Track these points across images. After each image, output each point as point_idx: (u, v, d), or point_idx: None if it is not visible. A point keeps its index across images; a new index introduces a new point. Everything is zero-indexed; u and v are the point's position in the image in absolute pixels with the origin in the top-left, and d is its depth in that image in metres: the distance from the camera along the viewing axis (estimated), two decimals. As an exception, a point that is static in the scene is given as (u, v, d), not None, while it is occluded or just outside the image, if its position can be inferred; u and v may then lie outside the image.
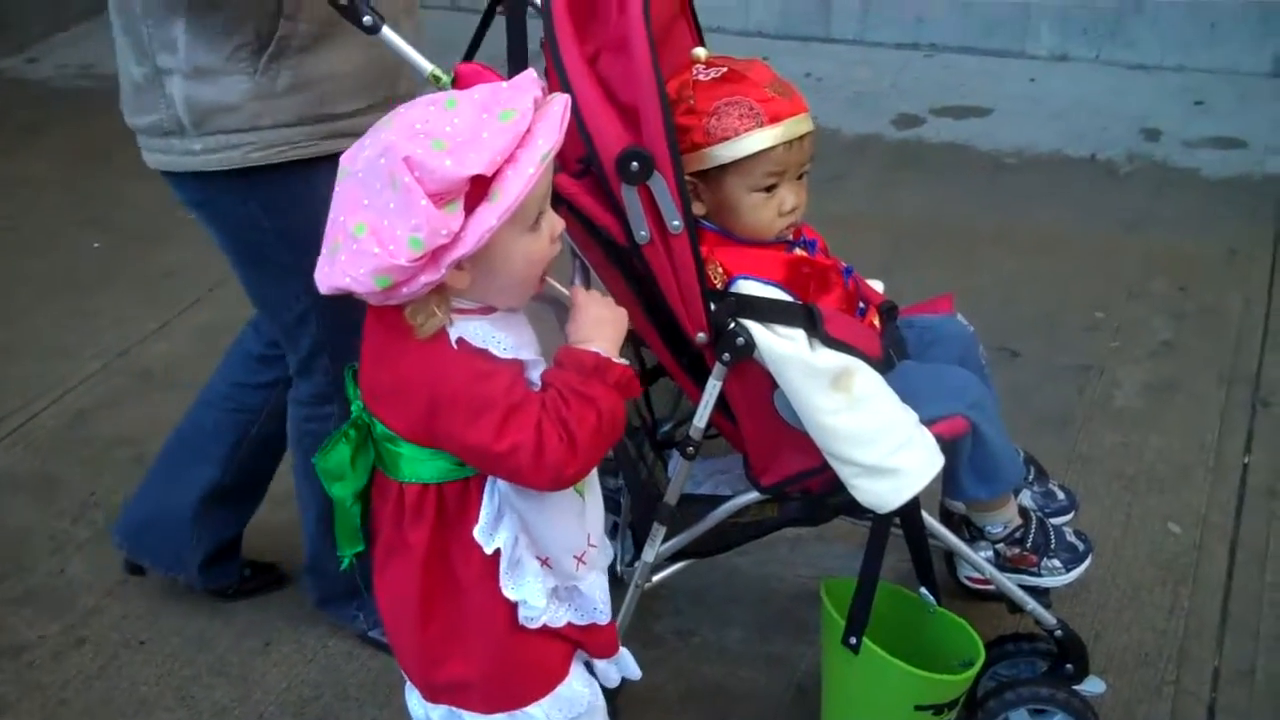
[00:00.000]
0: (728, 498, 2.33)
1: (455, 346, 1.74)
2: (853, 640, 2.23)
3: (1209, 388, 3.53)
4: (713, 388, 2.14)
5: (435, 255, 1.63)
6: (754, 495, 2.29)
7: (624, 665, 2.07)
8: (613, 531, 2.67)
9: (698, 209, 2.16)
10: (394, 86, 2.33)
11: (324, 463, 1.89)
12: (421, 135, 1.63)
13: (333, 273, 1.68)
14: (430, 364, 1.74)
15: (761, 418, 2.19)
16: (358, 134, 2.18)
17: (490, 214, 1.62)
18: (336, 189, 1.70)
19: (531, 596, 1.87)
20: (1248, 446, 3.30)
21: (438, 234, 1.60)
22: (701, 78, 2.15)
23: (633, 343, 2.45)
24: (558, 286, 1.88)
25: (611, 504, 2.63)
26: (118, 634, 2.89)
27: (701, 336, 2.09)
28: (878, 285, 2.44)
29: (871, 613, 2.23)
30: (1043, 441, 3.25)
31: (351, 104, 2.27)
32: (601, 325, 1.83)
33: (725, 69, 2.16)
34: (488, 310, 1.78)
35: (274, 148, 2.25)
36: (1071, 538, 2.45)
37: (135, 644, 2.86)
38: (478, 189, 1.62)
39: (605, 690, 2.06)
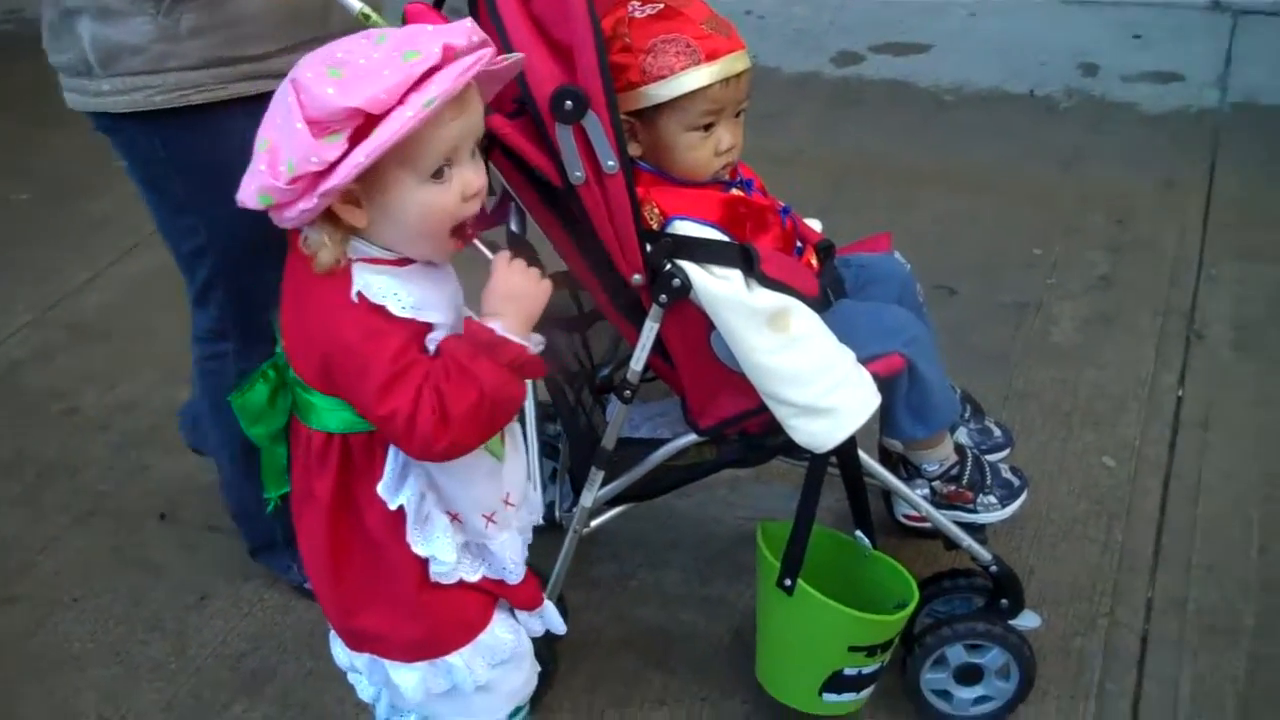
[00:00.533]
0: (666, 441, 2.32)
1: (354, 300, 1.71)
2: (788, 582, 2.24)
3: (1144, 321, 3.55)
4: (649, 330, 2.13)
5: (311, 182, 1.61)
6: (692, 438, 2.28)
7: (548, 619, 2.06)
8: (552, 477, 2.66)
9: (634, 149, 2.13)
10: (324, 25, 2.28)
11: (241, 401, 1.88)
12: (329, 63, 1.62)
13: (241, 187, 1.67)
14: (328, 314, 1.72)
15: (699, 359, 2.18)
16: (272, 75, 2.17)
17: (361, 151, 1.59)
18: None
19: (440, 552, 1.86)
20: (1181, 379, 3.33)
21: (308, 160, 1.59)
22: (637, 14, 2.11)
23: (570, 285, 2.43)
24: (482, 248, 1.84)
25: (550, 450, 2.62)
26: (49, 591, 2.86)
27: (637, 278, 2.08)
28: (815, 224, 2.42)
29: (807, 554, 2.23)
30: (980, 378, 3.26)
31: (262, 46, 2.23)
32: (512, 300, 1.78)
33: (661, 5, 2.13)
34: (404, 262, 1.75)
35: (177, 91, 2.21)
36: (1007, 474, 2.46)
37: (68, 601, 2.83)
38: (369, 126, 1.60)
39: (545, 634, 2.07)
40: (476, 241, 1.82)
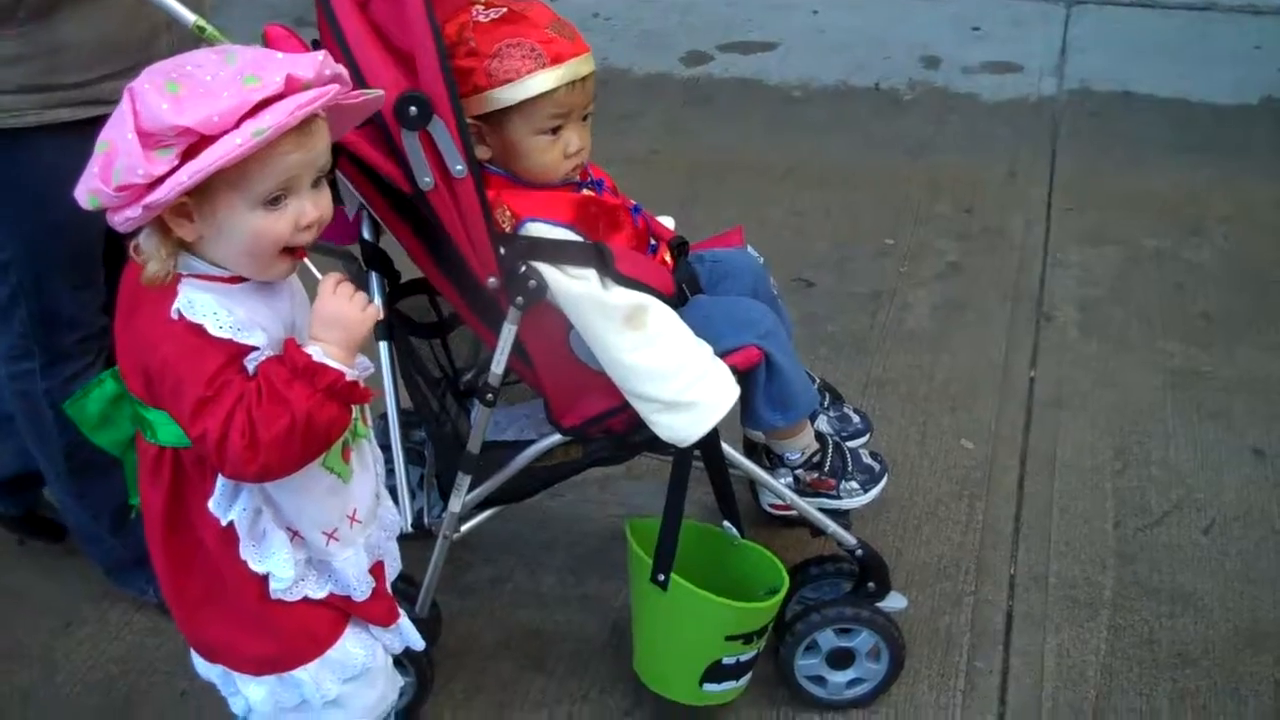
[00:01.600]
0: (532, 442, 2.32)
1: (174, 317, 1.68)
2: (660, 577, 2.25)
3: (994, 306, 3.64)
4: (508, 332, 2.13)
5: (136, 194, 1.59)
6: (557, 438, 2.28)
7: (404, 635, 2.05)
8: (420, 483, 2.65)
9: (483, 153, 2.13)
10: (146, 50, 2.24)
11: (74, 409, 1.84)
12: (172, 74, 1.60)
13: (78, 184, 1.64)
14: (151, 328, 1.70)
15: (559, 360, 2.19)
16: (91, 101, 2.17)
17: (185, 171, 1.57)
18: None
19: (278, 569, 1.83)
20: (1033, 361, 3.42)
21: (134, 171, 1.57)
22: (481, 19, 2.11)
23: (427, 291, 2.42)
24: (311, 267, 1.82)
25: (416, 457, 2.61)
26: (-93, 627, 2.77)
27: (493, 281, 2.08)
28: (668, 222, 2.44)
29: (677, 549, 2.25)
30: (840, 367, 3.33)
31: (81, 74, 2.21)
32: (334, 325, 1.75)
33: (505, 9, 2.13)
34: (236, 279, 1.73)
35: None
36: (868, 459, 2.50)
37: (-74, 631, 2.75)
38: (202, 145, 1.57)
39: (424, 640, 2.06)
40: (307, 260, 1.79)
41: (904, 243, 3.95)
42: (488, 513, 2.45)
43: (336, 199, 2.19)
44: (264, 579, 1.84)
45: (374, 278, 2.29)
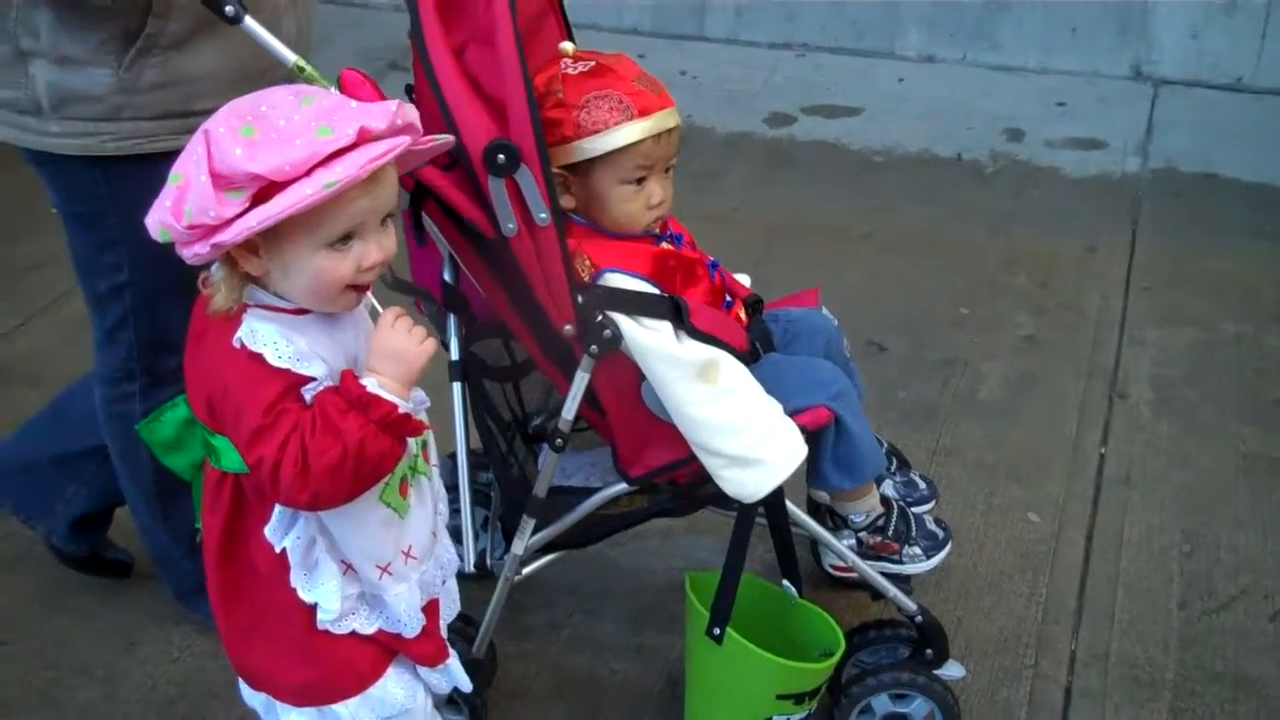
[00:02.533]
0: (597, 489, 2.33)
1: (236, 345, 1.73)
2: (716, 631, 2.26)
3: (1068, 381, 3.62)
4: (580, 380, 2.15)
5: (205, 233, 1.63)
6: (622, 487, 2.30)
7: (453, 675, 2.05)
8: (484, 525, 2.68)
9: (567, 202, 2.17)
10: (270, 76, 2.29)
11: (149, 433, 1.89)
12: (250, 118, 1.64)
13: (149, 212, 1.69)
14: (215, 356, 1.75)
15: (629, 410, 2.21)
16: None
17: (255, 216, 1.61)
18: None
19: (325, 600, 1.86)
20: (1104, 438, 3.40)
21: (205, 213, 1.61)
22: (570, 71, 2.16)
23: (502, 336, 2.45)
24: (373, 302, 1.86)
25: (482, 498, 2.64)
26: (-24, 641, 2.82)
27: (569, 329, 2.10)
28: (744, 279, 2.47)
29: (735, 604, 2.26)
30: (908, 434, 3.32)
31: (213, 101, 2.21)
32: (391, 359, 1.78)
33: (593, 63, 2.18)
34: (300, 311, 1.77)
35: (131, 139, 2.24)
36: (932, 526, 2.50)
37: (-5, 646, 2.80)
38: (272, 189, 1.62)
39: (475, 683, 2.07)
40: (370, 295, 1.83)
41: (979, 313, 3.94)
42: (549, 557, 2.48)
43: (425, 240, 2.24)
44: (312, 609, 1.87)
45: (451, 319, 2.33)
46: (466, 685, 2.08)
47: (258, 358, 1.72)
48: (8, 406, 3.52)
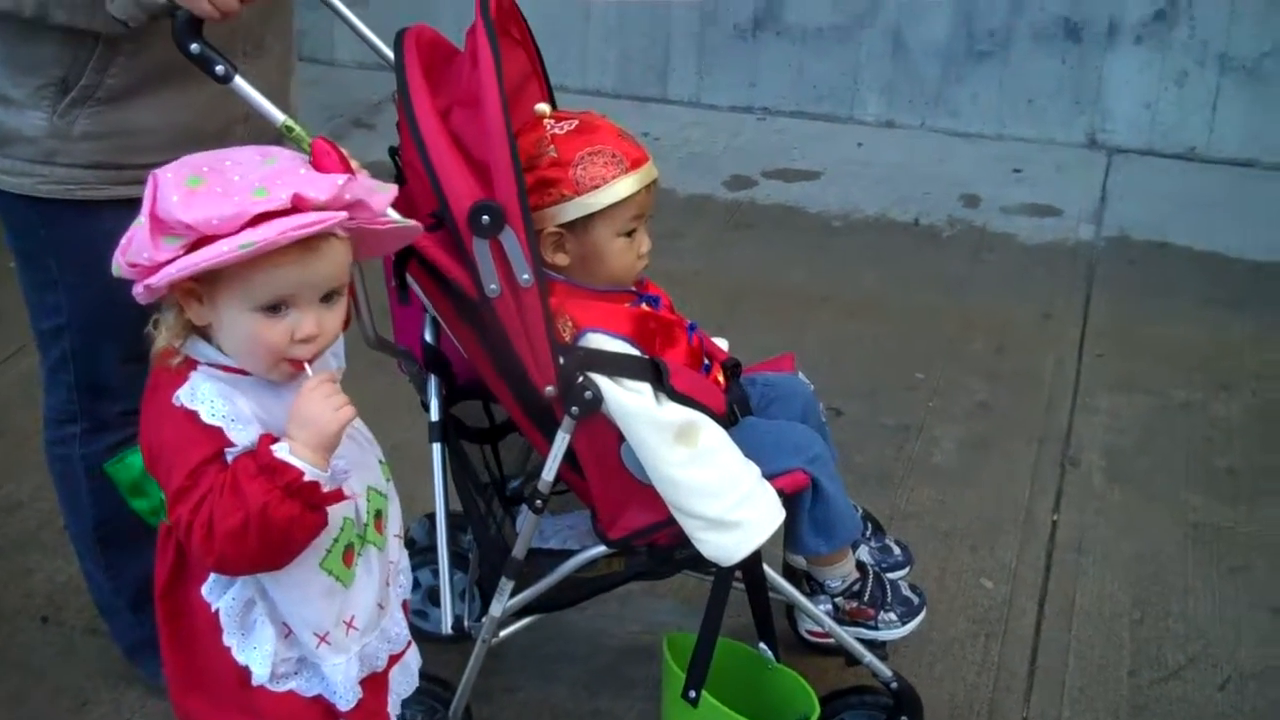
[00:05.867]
0: (575, 552, 2.35)
1: (175, 402, 1.73)
2: (692, 694, 2.26)
3: (1021, 447, 3.65)
4: (561, 441, 2.17)
5: (141, 274, 1.66)
6: (601, 549, 2.30)
7: None
8: (461, 595, 2.66)
9: (561, 260, 2.19)
10: (220, 140, 2.29)
11: (116, 473, 1.90)
12: (203, 168, 1.67)
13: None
14: (155, 409, 1.76)
15: (609, 471, 2.22)
16: None
17: (176, 265, 1.64)
18: None
19: (257, 664, 1.84)
20: (1057, 504, 3.42)
21: (140, 254, 1.65)
22: (557, 131, 2.19)
23: (481, 397, 2.47)
24: (307, 369, 1.80)
25: (460, 561, 2.63)
26: (-77, 699, 2.79)
27: (550, 390, 2.12)
28: (722, 343, 2.50)
29: (711, 667, 2.26)
30: (864, 498, 3.30)
31: (152, 157, 2.22)
32: (305, 425, 1.73)
33: (576, 121, 2.21)
34: (245, 372, 1.78)
35: (63, 185, 2.25)
36: (907, 591, 2.53)
37: (-60, 709, 2.77)
38: (206, 241, 1.63)
39: None
40: (307, 366, 1.80)
41: (934, 378, 3.98)
42: (526, 620, 2.48)
43: (407, 299, 2.25)
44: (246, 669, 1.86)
45: (432, 380, 2.35)
46: None
47: (192, 416, 1.72)
48: (-38, 458, 3.51)
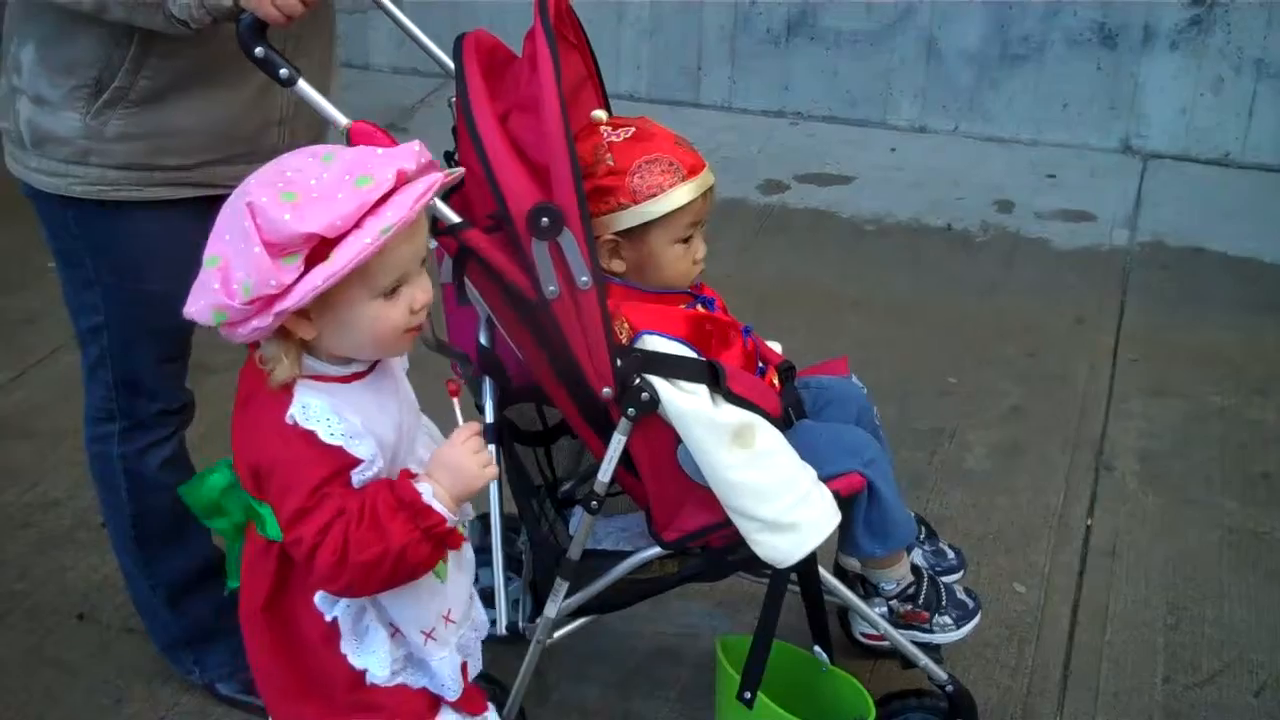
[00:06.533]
0: (629, 554, 2.35)
1: (288, 422, 1.74)
2: (747, 695, 2.27)
3: (1054, 451, 3.64)
4: (617, 442, 2.17)
5: (267, 303, 1.65)
6: (656, 550, 2.31)
7: None
8: (514, 604, 2.67)
9: (617, 266, 2.20)
10: (255, 142, 2.34)
11: (189, 497, 1.89)
12: (281, 184, 1.66)
13: (189, 300, 1.70)
14: (265, 428, 1.76)
15: (665, 473, 2.23)
16: (193, 184, 2.26)
17: (319, 275, 1.64)
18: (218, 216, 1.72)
19: (376, 666, 1.88)
20: (1090, 509, 3.42)
21: (266, 283, 1.64)
22: (614, 139, 2.20)
23: (536, 400, 2.47)
24: (456, 410, 1.90)
25: (514, 565, 2.64)
26: (-41, 696, 2.80)
27: (607, 391, 2.13)
28: (776, 346, 2.51)
29: (765, 669, 2.27)
30: (896, 501, 3.33)
31: (185, 158, 2.29)
32: (451, 472, 1.82)
33: (633, 129, 2.22)
34: (349, 378, 1.79)
35: (96, 185, 2.27)
36: (961, 595, 2.53)
37: (-24, 705, 2.78)
38: (324, 247, 1.64)
39: None
40: (455, 401, 1.88)
41: (967, 382, 3.97)
42: (580, 621, 2.49)
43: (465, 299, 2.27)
44: (362, 672, 1.89)
45: (487, 382, 2.36)
46: None
47: (309, 436, 1.74)
48: (0, 458, 3.54)
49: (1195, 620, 3.04)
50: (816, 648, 2.35)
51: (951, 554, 2.68)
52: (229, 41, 2.11)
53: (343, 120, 2.10)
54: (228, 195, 2.29)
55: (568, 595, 2.36)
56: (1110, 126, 5.49)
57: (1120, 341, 4.19)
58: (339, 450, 1.75)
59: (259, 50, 2.04)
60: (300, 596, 1.86)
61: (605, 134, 2.21)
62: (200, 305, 1.68)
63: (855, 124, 5.76)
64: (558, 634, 2.45)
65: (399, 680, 1.91)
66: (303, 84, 2.08)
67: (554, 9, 2.13)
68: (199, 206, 2.33)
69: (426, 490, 1.77)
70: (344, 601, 1.85)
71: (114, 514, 2.62)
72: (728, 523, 2.19)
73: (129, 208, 2.29)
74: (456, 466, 1.82)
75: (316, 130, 2.45)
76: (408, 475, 1.80)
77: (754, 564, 2.24)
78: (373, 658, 1.88)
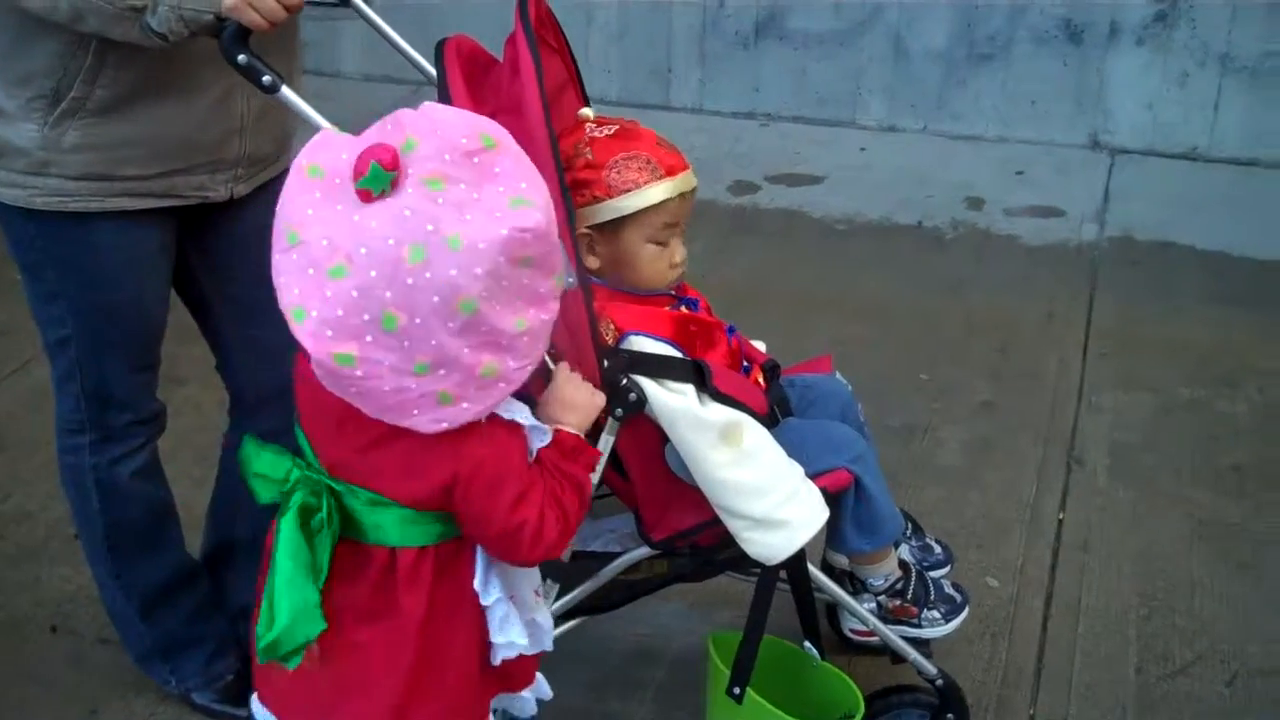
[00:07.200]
0: (619, 555, 2.36)
1: (484, 420, 1.74)
2: (736, 690, 2.28)
3: (1026, 446, 3.66)
4: (605, 443, 2.18)
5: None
6: (645, 551, 2.32)
7: (539, 689, 2.11)
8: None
9: (591, 263, 2.20)
10: (217, 152, 2.34)
11: (290, 552, 1.80)
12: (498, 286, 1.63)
13: (456, 413, 1.67)
14: (451, 440, 1.72)
15: (653, 472, 2.24)
16: (152, 194, 2.27)
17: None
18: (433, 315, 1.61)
19: (517, 636, 1.91)
20: (1062, 503, 3.44)
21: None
22: (596, 134, 2.21)
23: (527, 402, 2.47)
24: (547, 358, 1.94)
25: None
26: (-66, 709, 2.79)
27: None
28: (760, 345, 2.52)
29: (755, 665, 2.28)
30: (869, 499, 3.34)
31: (143, 169, 2.28)
32: (572, 409, 1.92)
33: (616, 126, 2.23)
34: None
35: (56, 196, 2.26)
36: (949, 589, 2.55)
37: (-52, 717, 2.78)
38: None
39: None
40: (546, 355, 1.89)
41: (939, 378, 3.99)
42: (571, 623, 2.49)
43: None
44: (481, 658, 1.93)
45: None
46: (548, 692, 2.12)
47: (510, 424, 1.79)
48: (-31, 470, 3.53)
49: (1167, 611, 3.07)
50: (807, 643, 2.36)
51: (938, 549, 2.70)
52: (188, 51, 2.11)
53: (324, 124, 2.07)
54: (190, 204, 2.30)
55: (558, 597, 2.36)
56: (1077, 122, 5.53)
57: (1090, 336, 4.22)
58: (522, 428, 1.81)
59: (242, 58, 2.03)
60: (445, 595, 1.86)
61: (589, 130, 2.22)
62: (487, 403, 1.70)
63: (825, 124, 5.78)
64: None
65: (517, 649, 1.94)
66: (286, 90, 2.08)
67: (534, 13, 2.14)
68: (161, 216, 2.33)
69: (575, 431, 1.88)
70: (494, 582, 1.87)
71: (86, 525, 2.61)
72: (716, 521, 2.20)
73: (90, 219, 2.29)
74: (574, 402, 1.93)
75: (279, 140, 2.45)
76: (562, 431, 1.87)
77: (743, 562, 2.25)
78: (514, 630, 1.90)
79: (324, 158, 1.65)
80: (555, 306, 1.70)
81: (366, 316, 1.58)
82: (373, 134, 1.65)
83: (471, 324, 1.60)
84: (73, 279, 2.35)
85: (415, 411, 1.65)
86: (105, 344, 2.42)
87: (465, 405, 1.66)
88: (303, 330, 1.60)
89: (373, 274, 1.56)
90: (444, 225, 1.57)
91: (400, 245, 1.56)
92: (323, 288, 1.58)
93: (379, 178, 1.58)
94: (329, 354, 1.59)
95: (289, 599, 1.76)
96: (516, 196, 1.63)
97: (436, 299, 1.57)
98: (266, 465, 1.85)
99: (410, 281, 1.56)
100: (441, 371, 1.62)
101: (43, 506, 3.37)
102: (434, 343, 1.59)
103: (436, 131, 1.62)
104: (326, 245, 1.58)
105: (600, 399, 1.99)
